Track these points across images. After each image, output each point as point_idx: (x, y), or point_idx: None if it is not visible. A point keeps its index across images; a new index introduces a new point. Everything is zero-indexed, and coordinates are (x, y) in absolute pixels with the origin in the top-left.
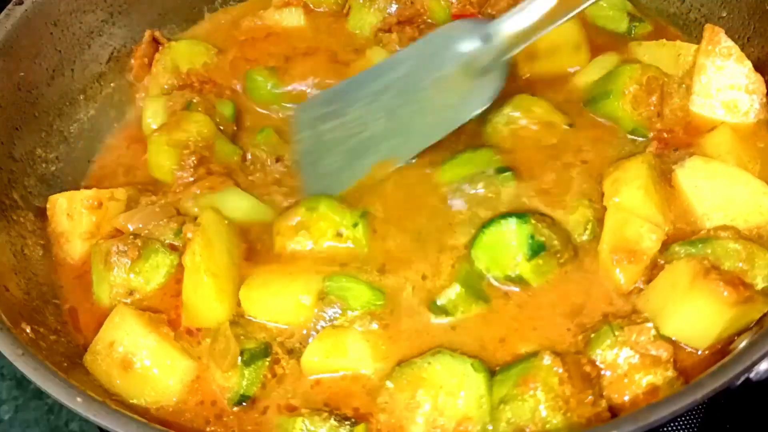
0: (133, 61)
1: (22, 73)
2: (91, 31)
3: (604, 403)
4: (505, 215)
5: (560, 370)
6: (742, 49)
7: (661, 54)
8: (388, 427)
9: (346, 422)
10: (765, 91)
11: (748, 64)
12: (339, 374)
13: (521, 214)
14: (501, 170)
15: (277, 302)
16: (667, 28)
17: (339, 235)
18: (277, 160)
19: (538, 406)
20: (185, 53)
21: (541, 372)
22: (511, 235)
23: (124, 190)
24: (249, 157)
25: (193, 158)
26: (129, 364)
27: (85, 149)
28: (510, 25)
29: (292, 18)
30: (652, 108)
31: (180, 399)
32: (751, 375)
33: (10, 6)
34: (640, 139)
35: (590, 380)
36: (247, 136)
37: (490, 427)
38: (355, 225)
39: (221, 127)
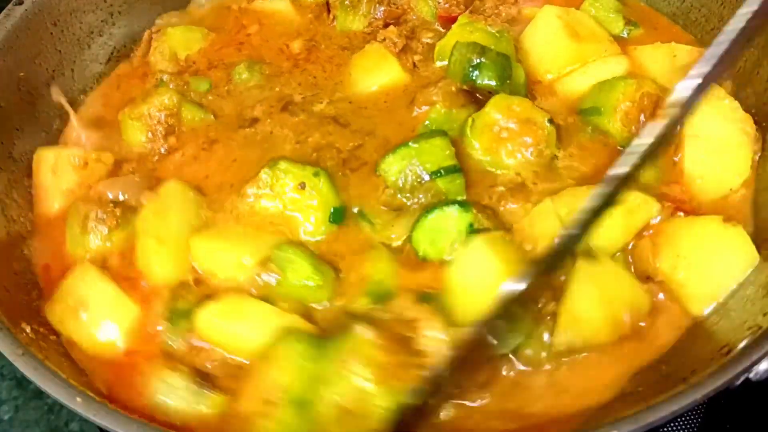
0: (134, 61)
1: (22, 73)
2: (91, 31)
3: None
4: (448, 203)
5: (376, 340)
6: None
7: (657, 56)
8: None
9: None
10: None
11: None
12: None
13: (463, 202)
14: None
15: (220, 256)
16: (661, 25)
17: (302, 187)
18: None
19: (357, 381)
20: (181, 39)
21: (359, 346)
22: (452, 222)
23: (111, 155)
24: None
25: (160, 128)
26: (82, 308)
27: None
28: None
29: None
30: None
31: (127, 348)
32: (751, 375)
33: (10, 6)
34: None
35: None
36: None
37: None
38: (316, 174)
39: (196, 101)
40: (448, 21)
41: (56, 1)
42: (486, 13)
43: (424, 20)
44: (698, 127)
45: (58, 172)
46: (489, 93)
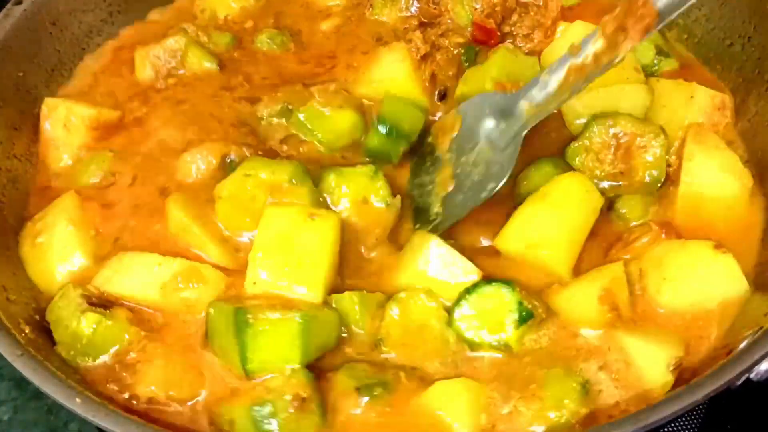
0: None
1: (21, 73)
2: (90, 31)
3: None
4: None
5: None
6: (742, 49)
7: (674, 92)
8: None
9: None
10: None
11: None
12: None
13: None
14: None
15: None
16: (694, 67)
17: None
18: None
19: None
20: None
21: None
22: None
23: (117, 111)
24: None
25: (163, 68)
26: (37, 236)
27: None
28: (530, 98)
29: None
30: (616, 164)
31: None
32: (752, 375)
33: (9, 6)
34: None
35: None
36: None
37: None
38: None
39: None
40: (482, 32)
41: (55, 0)
42: (518, 37)
43: (458, 25)
44: (694, 174)
45: (71, 129)
46: None
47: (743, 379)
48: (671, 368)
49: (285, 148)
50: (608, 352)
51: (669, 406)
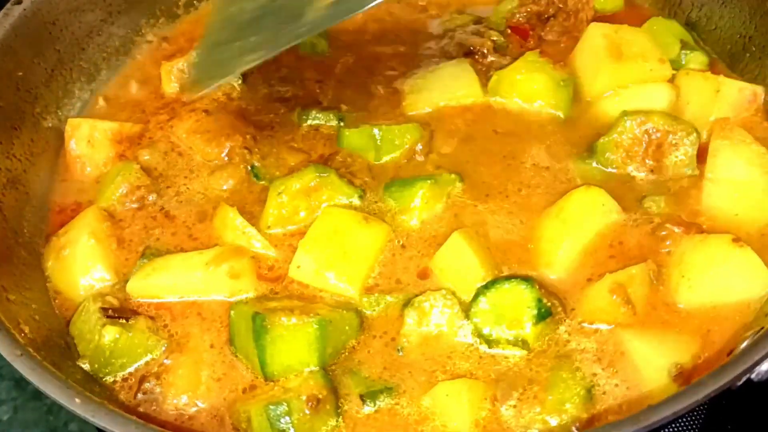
0: None
1: (21, 73)
2: (90, 31)
3: None
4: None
5: None
6: (743, 49)
7: (702, 87)
8: None
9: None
10: None
11: None
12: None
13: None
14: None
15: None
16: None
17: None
18: None
19: None
20: None
21: None
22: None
23: (138, 124)
24: None
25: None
26: (61, 250)
27: None
28: None
29: None
30: (648, 162)
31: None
32: (753, 376)
33: (8, 5)
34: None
35: None
36: None
37: None
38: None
39: None
40: (517, 32)
41: (55, 0)
42: (545, 42)
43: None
44: (720, 170)
45: (95, 145)
46: None
47: (744, 379)
48: (672, 375)
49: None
50: (614, 354)
51: (669, 407)
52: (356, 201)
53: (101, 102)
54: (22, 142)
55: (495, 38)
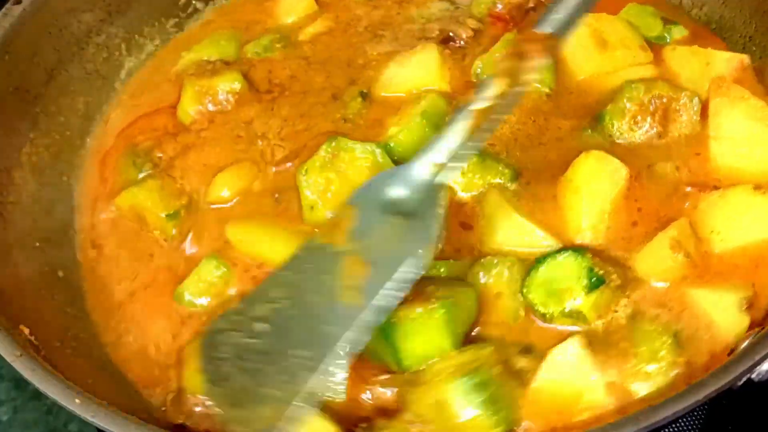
0: None
1: (21, 73)
2: (89, 30)
3: None
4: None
5: None
6: (743, 49)
7: (691, 61)
8: None
9: None
10: None
11: None
12: None
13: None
14: None
15: None
16: (704, 33)
17: None
18: None
19: None
20: None
21: None
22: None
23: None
24: None
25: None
26: None
27: None
28: (431, 160)
29: None
30: (655, 129)
31: None
32: (754, 375)
33: (8, 5)
34: None
35: None
36: None
37: None
38: None
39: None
40: (498, 20)
41: (55, 0)
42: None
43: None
44: (722, 128)
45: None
46: None
47: (745, 379)
48: (743, 308)
49: None
50: (682, 306)
51: (669, 407)
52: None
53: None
54: (21, 142)
55: (474, 26)
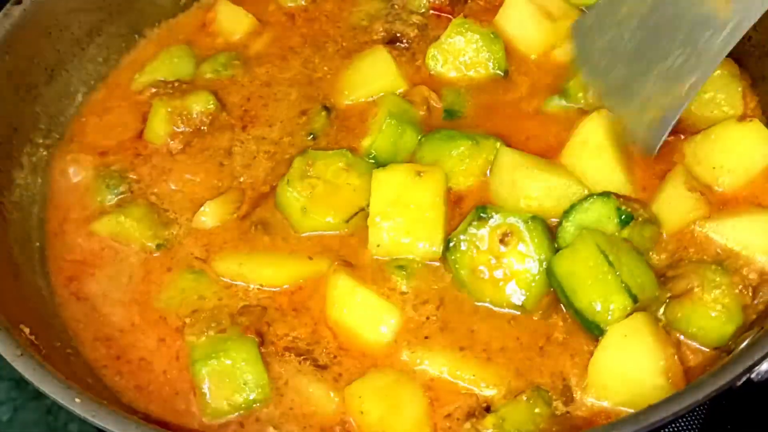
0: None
1: (21, 73)
2: (89, 30)
3: None
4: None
5: None
6: (743, 48)
7: None
8: None
9: None
10: None
11: None
12: None
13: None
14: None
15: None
16: None
17: None
18: None
19: None
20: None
21: None
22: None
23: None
24: None
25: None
26: None
27: None
28: None
29: None
30: None
31: None
32: (753, 375)
33: (8, 6)
34: None
35: None
36: None
37: None
38: None
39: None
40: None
41: (55, 0)
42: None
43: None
44: None
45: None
46: None
47: (744, 379)
48: None
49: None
50: (707, 238)
51: (669, 407)
52: None
53: (101, 102)
54: (21, 142)
55: (417, 21)
